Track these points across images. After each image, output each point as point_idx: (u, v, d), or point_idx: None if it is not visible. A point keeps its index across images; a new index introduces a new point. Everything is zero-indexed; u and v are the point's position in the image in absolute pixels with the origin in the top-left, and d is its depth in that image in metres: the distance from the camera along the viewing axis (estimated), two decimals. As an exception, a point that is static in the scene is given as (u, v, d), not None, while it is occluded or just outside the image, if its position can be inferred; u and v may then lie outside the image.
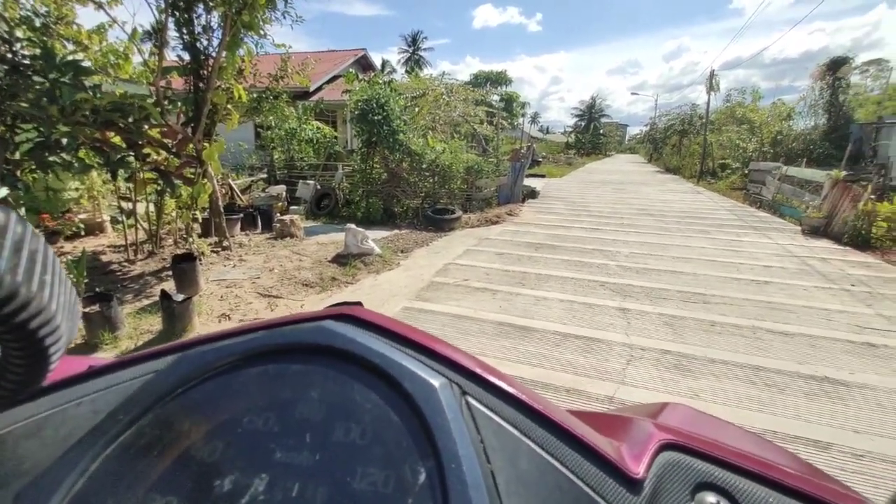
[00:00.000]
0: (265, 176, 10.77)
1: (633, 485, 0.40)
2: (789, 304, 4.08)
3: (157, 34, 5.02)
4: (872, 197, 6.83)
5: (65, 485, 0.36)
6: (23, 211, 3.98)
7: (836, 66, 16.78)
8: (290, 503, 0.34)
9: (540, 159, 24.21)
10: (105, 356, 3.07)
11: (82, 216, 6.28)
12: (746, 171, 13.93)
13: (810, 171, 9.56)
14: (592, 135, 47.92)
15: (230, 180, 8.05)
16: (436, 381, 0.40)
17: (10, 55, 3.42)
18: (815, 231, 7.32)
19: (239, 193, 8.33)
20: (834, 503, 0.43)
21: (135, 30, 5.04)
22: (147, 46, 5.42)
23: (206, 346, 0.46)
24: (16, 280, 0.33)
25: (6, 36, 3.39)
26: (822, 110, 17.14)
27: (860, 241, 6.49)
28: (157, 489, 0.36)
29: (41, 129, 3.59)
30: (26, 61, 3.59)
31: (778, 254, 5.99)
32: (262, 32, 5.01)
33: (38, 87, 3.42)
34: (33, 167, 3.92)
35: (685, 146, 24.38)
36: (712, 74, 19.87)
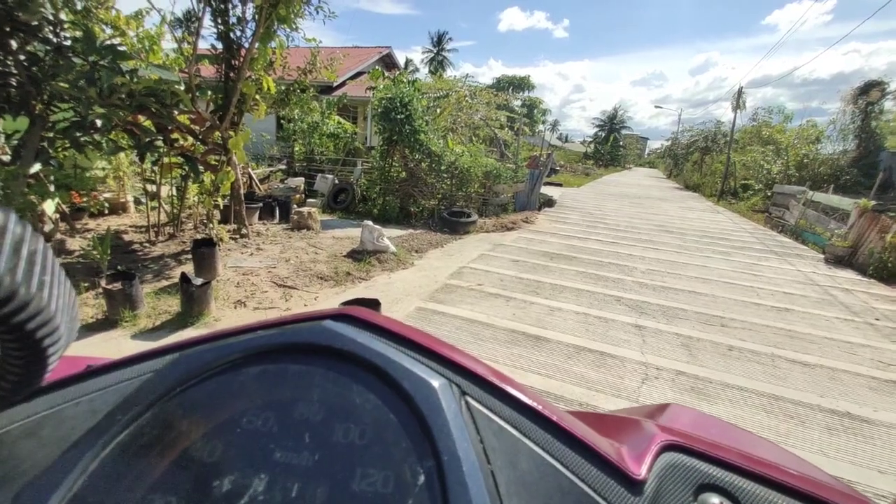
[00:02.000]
0: (284, 167, 10.90)
1: (634, 486, 0.40)
2: (810, 334, 3.97)
3: (189, 22, 5.11)
4: (902, 229, 6.63)
5: (63, 485, 0.36)
6: (53, 187, 4.08)
7: (869, 90, 16.35)
8: (289, 503, 0.34)
9: (558, 168, 24.06)
10: (124, 333, 3.14)
11: (107, 195, 6.43)
12: (770, 194, 13.64)
13: (837, 197, 9.32)
14: (612, 146, 47.46)
15: (249, 169, 8.17)
16: (435, 382, 0.40)
17: (53, 37, 3.51)
18: (838, 260, 7.13)
19: (257, 183, 8.45)
20: None
21: (164, 16, 5.14)
22: (178, 33, 5.52)
23: (206, 346, 0.46)
24: (15, 280, 0.33)
25: (51, 17, 3.48)
26: (853, 135, 16.71)
27: (886, 274, 6.29)
28: (157, 489, 0.36)
29: (78, 109, 3.68)
30: (67, 43, 3.68)
31: (799, 281, 5.85)
32: (294, 26, 5.07)
33: (78, 68, 3.50)
34: (67, 145, 4.02)
35: (707, 164, 23.99)
36: (740, 92, 19.54)
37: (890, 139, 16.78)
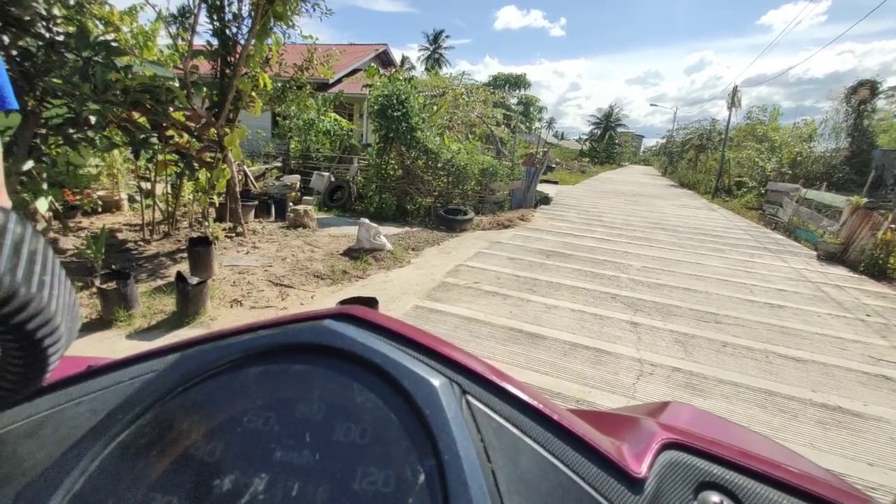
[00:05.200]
0: (280, 164, 10.85)
1: (634, 484, 0.40)
2: (802, 330, 4.02)
3: (185, 18, 5.06)
4: (892, 226, 6.71)
5: (65, 485, 0.36)
6: (46, 185, 4.04)
7: (861, 90, 16.48)
8: (290, 503, 0.34)
9: (554, 165, 24.10)
10: (119, 333, 3.12)
11: (100, 193, 6.37)
12: (763, 191, 13.75)
13: (830, 195, 9.42)
14: (607, 144, 47.53)
15: (245, 167, 8.12)
16: (436, 381, 0.40)
17: (46, 32, 3.47)
18: (830, 257, 7.21)
19: (253, 180, 8.40)
20: (839, 502, 0.43)
21: (160, 11, 5.10)
22: (173, 29, 5.48)
23: (207, 346, 0.46)
24: (15, 280, 0.32)
25: (44, 13, 3.44)
26: (845, 134, 16.86)
27: (877, 270, 6.38)
28: (158, 489, 0.36)
29: (71, 105, 3.64)
30: (60, 38, 3.65)
31: (792, 278, 5.92)
32: (291, 23, 5.04)
33: (71, 64, 3.47)
34: (60, 142, 3.98)
35: (702, 161, 24.10)
36: (735, 90, 19.65)
37: (882, 137, 16.95)
